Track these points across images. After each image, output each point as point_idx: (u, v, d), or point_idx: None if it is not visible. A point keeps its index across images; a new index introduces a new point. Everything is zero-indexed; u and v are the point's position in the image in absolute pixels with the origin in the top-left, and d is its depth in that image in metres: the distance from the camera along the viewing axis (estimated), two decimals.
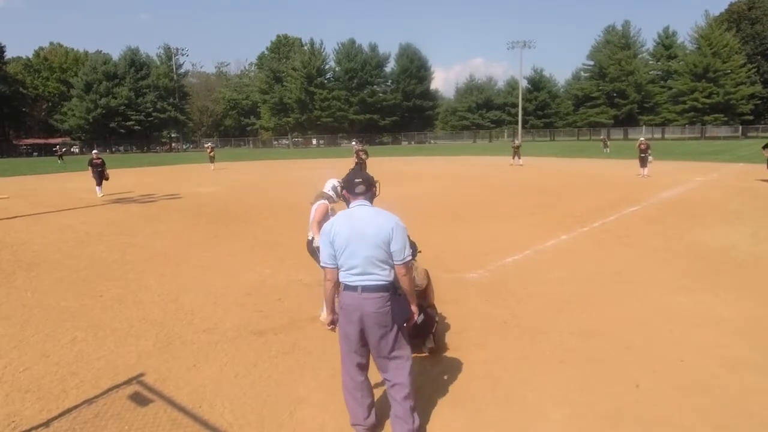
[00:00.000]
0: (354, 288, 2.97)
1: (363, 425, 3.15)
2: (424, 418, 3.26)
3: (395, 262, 2.98)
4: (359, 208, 3.12)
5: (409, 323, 3.17)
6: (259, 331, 4.81)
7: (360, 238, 2.95)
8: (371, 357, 3.14)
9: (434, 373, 3.90)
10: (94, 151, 18.64)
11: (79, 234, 10.12)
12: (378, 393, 3.35)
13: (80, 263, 7.65)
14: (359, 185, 3.16)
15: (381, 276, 2.96)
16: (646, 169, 18.71)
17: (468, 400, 3.50)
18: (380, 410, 3.26)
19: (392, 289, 3.00)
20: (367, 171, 19.26)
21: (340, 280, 3.04)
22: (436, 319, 4.34)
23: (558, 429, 3.15)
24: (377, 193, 3.35)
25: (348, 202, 3.31)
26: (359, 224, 3.00)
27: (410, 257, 3.06)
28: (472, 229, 9.72)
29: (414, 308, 3.16)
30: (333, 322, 3.16)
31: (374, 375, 3.21)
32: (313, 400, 3.54)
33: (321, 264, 3.13)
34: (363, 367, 3.15)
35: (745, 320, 4.82)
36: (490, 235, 9.18)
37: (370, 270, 2.96)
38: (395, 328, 3.01)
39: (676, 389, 3.57)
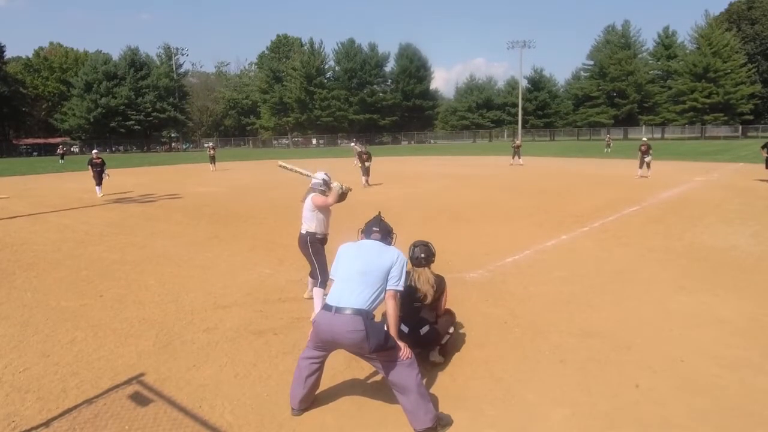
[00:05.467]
0: (329, 308, 3.11)
1: (294, 398, 3.35)
2: None
3: (389, 287, 3.18)
4: (370, 240, 3.48)
5: (388, 350, 3.12)
6: (259, 331, 4.81)
7: (363, 256, 3.25)
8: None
9: (434, 373, 3.90)
10: (94, 151, 18.60)
11: (79, 234, 10.12)
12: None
13: (80, 263, 7.65)
14: (375, 233, 3.51)
15: (360, 299, 3.07)
16: (643, 170, 18.73)
17: (468, 400, 3.50)
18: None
19: (366, 314, 3.06)
20: (370, 171, 19.10)
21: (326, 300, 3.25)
22: (450, 330, 4.16)
23: (558, 429, 3.15)
24: (393, 244, 3.59)
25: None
26: (368, 245, 3.40)
27: (402, 289, 3.26)
28: (473, 229, 9.71)
29: (392, 333, 3.20)
30: None
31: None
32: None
33: (330, 276, 3.43)
34: (314, 358, 3.32)
35: (745, 320, 4.82)
36: (490, 235, 9.17)
37: (353, 292, 3.10)
38: (372, 349, 3.04)
39: (676, 389, 3.57)
